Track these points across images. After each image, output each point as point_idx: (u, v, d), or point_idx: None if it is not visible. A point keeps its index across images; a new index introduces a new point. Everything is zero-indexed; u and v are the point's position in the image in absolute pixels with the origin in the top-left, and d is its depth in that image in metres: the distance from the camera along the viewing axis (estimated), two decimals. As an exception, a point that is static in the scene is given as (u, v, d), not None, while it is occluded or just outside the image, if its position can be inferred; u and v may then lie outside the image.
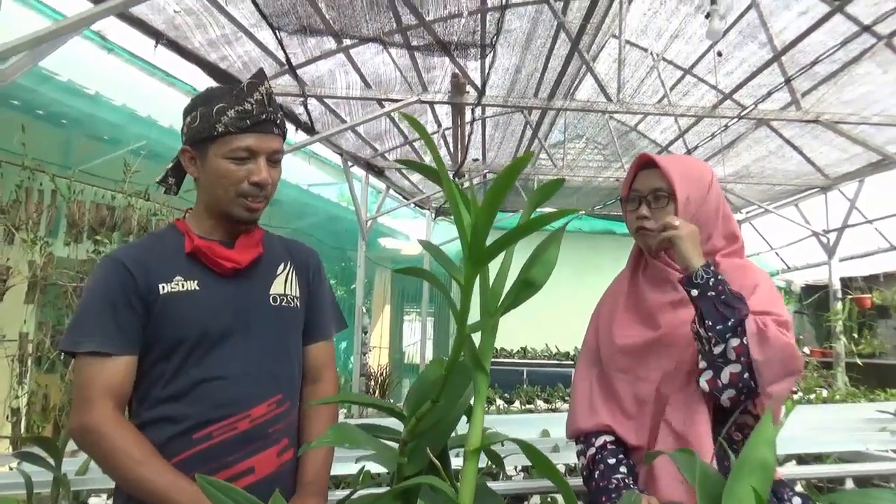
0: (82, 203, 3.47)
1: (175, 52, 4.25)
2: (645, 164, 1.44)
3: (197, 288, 1.30)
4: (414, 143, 6.87)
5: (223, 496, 0.76)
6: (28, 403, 3.07)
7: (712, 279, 1.26)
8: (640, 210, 1.42)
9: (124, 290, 1.25)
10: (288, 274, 1.45)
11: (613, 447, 1.37)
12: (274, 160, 1.36)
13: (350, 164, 6.66)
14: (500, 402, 6.17)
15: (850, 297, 7.89)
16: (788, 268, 9.58)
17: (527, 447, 0.62)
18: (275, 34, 4.18)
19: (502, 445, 0.88)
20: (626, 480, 1.31)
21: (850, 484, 2.35)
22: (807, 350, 9.09)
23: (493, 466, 2.12)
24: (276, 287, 1.41)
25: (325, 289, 1.55)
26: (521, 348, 9.80)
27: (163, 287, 1.28)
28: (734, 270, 1.38)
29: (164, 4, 3.84)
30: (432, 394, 0.65)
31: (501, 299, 0.61)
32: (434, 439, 0.69)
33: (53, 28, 3.02)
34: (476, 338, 0.65)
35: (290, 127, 5.71)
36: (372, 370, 7.89)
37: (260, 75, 1.37)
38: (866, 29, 4.54)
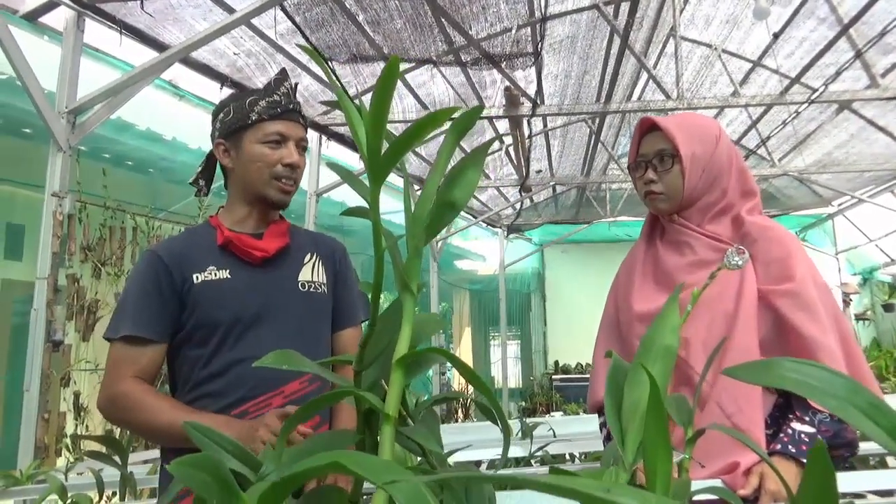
0: (161, 237, 3.73)
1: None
2: (649, 128, 1.41)
3: (228, 276, 1.41)
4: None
5: (205, 438, 0.81)
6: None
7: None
8: (647, 175, 1.39)
9: (158, 282, 1.37)
10: (315, 263, 1.54)
11: None
12: (301, 147, 1.47)
13: (416, 187, 6.81)
14: (582, 414, 6.06)
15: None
16: (893, 260, 8.92)
17: (448, 356, 0.64)
18: (328, 66, 4.37)
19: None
20: None
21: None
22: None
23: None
24: (304, 274, 1.50)
25: (351, 277, 1.62)
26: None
27: (196, 276, 1.39)
28: (764, 239, 1.32)
29: (225, 49, 4.11)
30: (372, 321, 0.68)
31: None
32: (385, 368, 0.71)
33: (124, 79, 3.31)
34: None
35: (353, 156, 5.93)
36: (455, 391, 7.93)
37: (283, 73, 1.51)
38: (939, -9, 4.25)
